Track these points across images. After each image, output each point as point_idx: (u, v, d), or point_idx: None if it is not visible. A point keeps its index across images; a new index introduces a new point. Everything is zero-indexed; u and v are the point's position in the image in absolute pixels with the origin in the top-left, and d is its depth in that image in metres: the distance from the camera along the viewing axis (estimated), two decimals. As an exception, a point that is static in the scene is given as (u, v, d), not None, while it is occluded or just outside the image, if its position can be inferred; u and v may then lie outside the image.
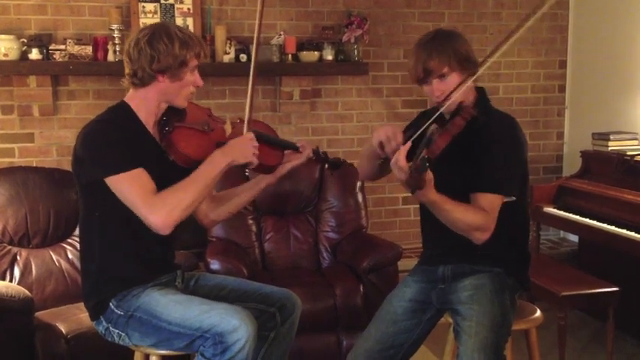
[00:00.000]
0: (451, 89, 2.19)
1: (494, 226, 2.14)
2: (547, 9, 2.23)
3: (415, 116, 2.49)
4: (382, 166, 2.33)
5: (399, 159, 1.94)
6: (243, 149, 2.19)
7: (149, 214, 2.03)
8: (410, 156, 1.94)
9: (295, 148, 2.41)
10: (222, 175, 2.18)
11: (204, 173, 2.13)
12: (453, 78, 2.19)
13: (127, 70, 2.17)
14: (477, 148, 2.18)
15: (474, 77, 2.19)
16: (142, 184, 2.06)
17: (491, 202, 2.14)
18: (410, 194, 1.96)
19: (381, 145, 2.20)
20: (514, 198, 2.20)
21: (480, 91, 2.32)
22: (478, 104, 2.25)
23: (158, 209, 2.03)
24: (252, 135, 2.23)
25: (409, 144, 2.00)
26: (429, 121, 2.10)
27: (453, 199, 2.11)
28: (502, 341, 2.13)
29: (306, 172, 3.66)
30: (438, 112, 2.15)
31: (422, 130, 2.11)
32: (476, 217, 2.11)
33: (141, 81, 2.15)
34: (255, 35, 2.32)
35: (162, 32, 2.13)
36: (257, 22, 2.32)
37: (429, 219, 2.23)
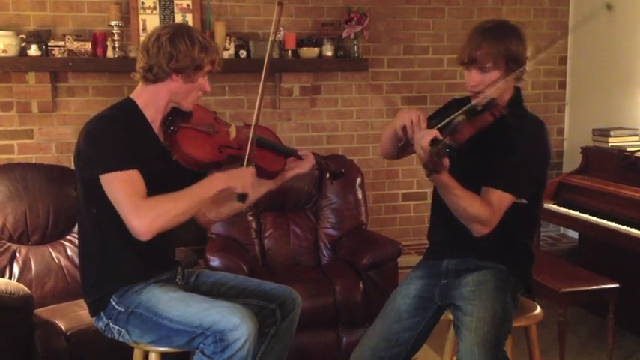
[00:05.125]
0: (487, 83, 2.19)
1: (496, 222, 2.14)
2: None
3: (445, 103, 2.49)
4: (402, 148, 2.32)
5: (424, 141, 1.97)
6: (243, 179, 2.18)
7: (133, 217, 2.01)
8: (433, 141, 1.96)
9: (297, 157, 2.42)
10: (214, 197, 2.17)
11: (200, 190, 2.12)
12: (494, 74, 2.19)
13: (140, 64, 2.16)
14: (502, 147, 2.18)
15: (509, 79, 2.20)
16: (134, 186, 2.05)
17: (500, 199, 2.14)
18: (426, 177, 2.01)
19: (404, 129, 2.19)
20: (525, 201, 2.19)
21: (517, 90, 2.31)
22: (511, 104, 2.26)
23: (143, 214, 2.01)
24: (253, 170, 2.22)
25: (436, 131, 2.01)
26: (459, 112, 2.11)
27: (466, 189, 2.13)
28: (502, 337, 2.13)
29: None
30: (470, 105, 2.14)
31: (449, 119, 2.11)
32: (481, 209, 2.12)
33: (155, 77, 2.14)
34: (266, 59, 2.29)
35: (185, 33, 2.15)
36: (270, 37, 2.30)
37: (439, 207, 2.24)
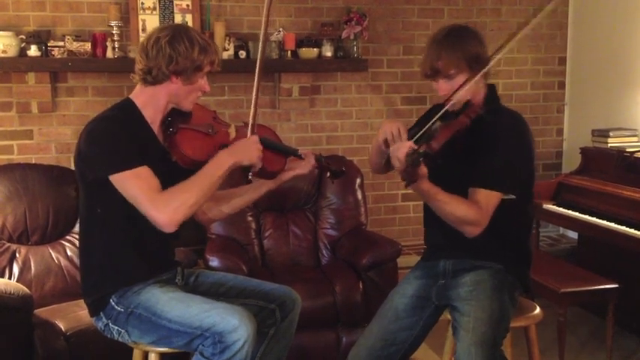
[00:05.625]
0: (457, 88, 2.20)
1: (487, 221, 2.14)
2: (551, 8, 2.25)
3: (426, 110, 2.51)
4: (388, 162, 2.33)
5: (399, 152, 1.99)
6: (248, 151, 2.18)
7: (155, 212, 2.02)
8: (408, 151, 1.97)
9: (297, 156, 2.41)
10: (226, 176, 2.16)
11: (209, 173, 2.12)
12: (461, 78, 2.20)
13: (139, 66, 2.15)
14: (482, 145, 2.18)
15: (476, 79, 2.19)
16: (148, 181, 2.05)
17: (487, 198, 2.14)
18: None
19: (386, 142, 2.20)
20: (513, 196, 2.20)
21: (491, 89, 2.32)
22: (487, 102, 2.26)
23: (163, 207, 2.02)
24: (256, 137, 2.22)
25: (411, 142, 2.03)
26: (434, 120, 2.13)
27: (455, 193, 2.13)
28: (500, 337, 2.13)
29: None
30: (443, 110, 2.16)
31: (426, 128, 2.13)
32: (468, 211, 2.13)
33: (154, 79, 2.14)
34: (260, 49, 2.30)
35: (184, 35, 2.13)
36: (262, 32, 2.30)
37: (431, 210, 2.24)
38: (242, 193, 2.45)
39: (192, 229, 3.23)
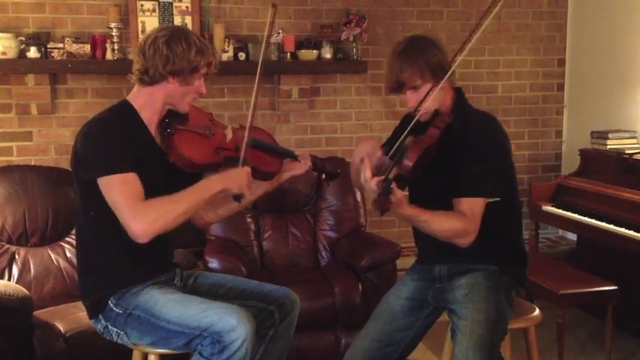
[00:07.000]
0: (423, 98, 2.19)
1: (476, 229, 2.14)
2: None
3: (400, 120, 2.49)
4: None
5: (371, 183, 1.96)
6: (239, 180, 2.19)
7: (132, 219, 2.01)
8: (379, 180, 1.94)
9: (294, 157, 2.42)
10: (212, 199, 2.17)
11: (196, 193, 2.13)
12: (427, 87, 2.20)
13: (136, 66, 2.16)
14: (456, 152, 2.18)
15: (440, 85, 2.17)
16: (132, 188, 2.05)
17: (471, 206, 2.14)
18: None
19: (363, 161, 2.20)
20: (498, 198, 2.19)
21: (458, 92, 2.32)
22: (455, 107, 2.26)
23: (141, 216, 2.01)
24: (248, 169, 2.22)
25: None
26: (405, 133, 2.12)
27: (438, 207, 2.13)
28: (497, 339, 2.13)
29: (304, 170, 3.66)
30: (414, 122, 2.15)
31: (399, 143, 2.12)
32: (455, 223, 2.12)
33: (151, 79, 2.15)
34: (262, 53, 2.31)
35: (181, 35, 2.15)
36: (265, 39, 2.30)
37: None
38: None
39: (192, 230, 3.22)
